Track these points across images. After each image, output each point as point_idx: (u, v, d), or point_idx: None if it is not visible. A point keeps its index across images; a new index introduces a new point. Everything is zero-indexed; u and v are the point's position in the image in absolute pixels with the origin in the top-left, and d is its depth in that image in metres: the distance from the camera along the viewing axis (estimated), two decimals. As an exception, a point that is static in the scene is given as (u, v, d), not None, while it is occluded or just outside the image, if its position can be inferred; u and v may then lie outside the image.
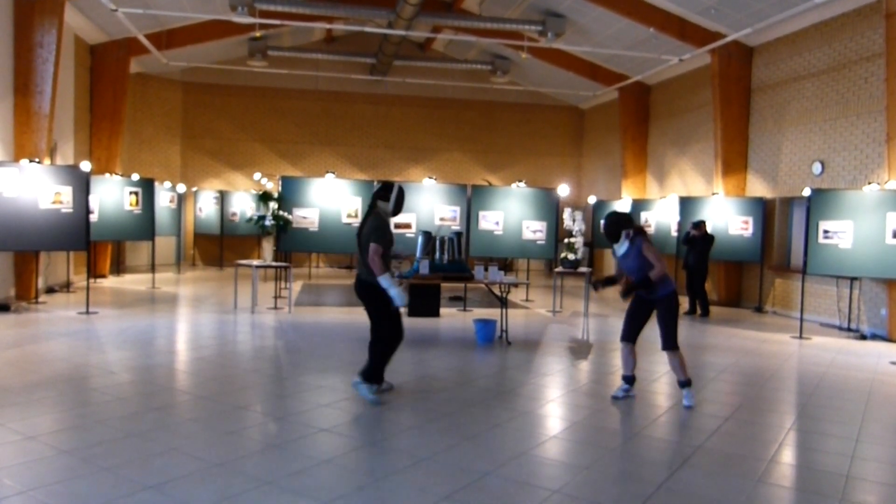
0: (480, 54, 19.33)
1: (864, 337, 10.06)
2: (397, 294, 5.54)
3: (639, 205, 15.65)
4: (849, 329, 10.57)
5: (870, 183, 10.03)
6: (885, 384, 7.08)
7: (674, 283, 5.96)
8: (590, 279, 6.57)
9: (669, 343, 5.90)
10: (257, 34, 15.81)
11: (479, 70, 19.39)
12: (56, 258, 12.60)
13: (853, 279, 10.33)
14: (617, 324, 10.81)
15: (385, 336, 5.74)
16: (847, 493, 4.11)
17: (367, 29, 15.33)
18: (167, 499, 3.68)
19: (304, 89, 19.75)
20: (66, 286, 12.87)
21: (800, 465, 4.69)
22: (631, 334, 6.13)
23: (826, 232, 9.64)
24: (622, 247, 5.97)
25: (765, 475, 4.37)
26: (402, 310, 5.80)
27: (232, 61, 18.72)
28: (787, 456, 4.82)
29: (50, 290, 12.30)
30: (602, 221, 6.11)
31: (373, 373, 5.72)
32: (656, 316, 5.98)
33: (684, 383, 5.94)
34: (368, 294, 5.71)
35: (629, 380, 6.17)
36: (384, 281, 5.52)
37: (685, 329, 10.49)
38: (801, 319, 10.19)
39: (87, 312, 10.02)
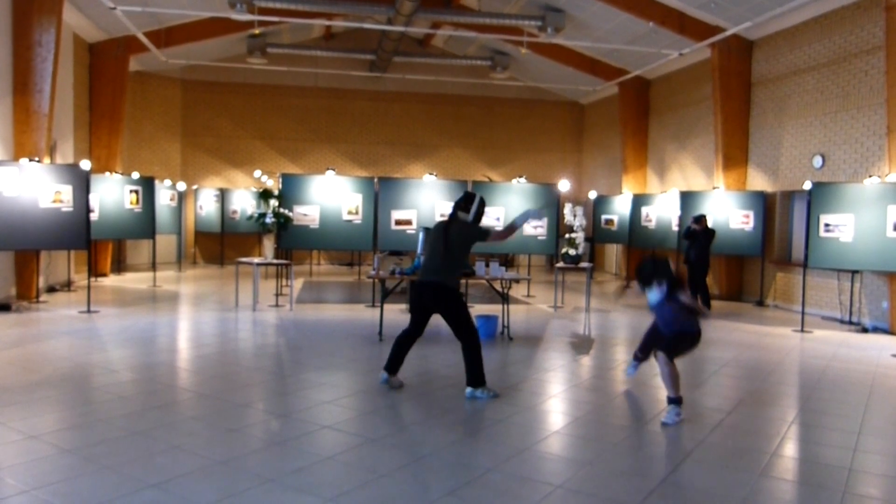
0: (480, 50, 19.30)
1: (865, 330, 10.05)
2: (531, 212, 6.04)
3: (639, 199, 15.64)
4: (850, 322, 10.56)
5: (870, 176, 10.01)
6: (887, 377, 7.08)
7: (695, 325, 5.56)
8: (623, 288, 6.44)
9: (663, 349, 5.57)
10: (256, 31, 15.82)
11: (478, 66, 19.36)
12: (57, 257, 12.60)
13: (854, 272, 10.32)
14: (619, 319, 10.83)
15: (472, 337, 5.80)
16: (850, 485, 4.11)
17: (367, 25, 15.30)
18: (170, 497, 3.69)
19: (304, 86, 19.73)
20: (67, 285, 12.88)
21: (802, 458, 4.69)
22: (645, 354, 6.16)
23: (827, 225, 9.63)
24: (654, 295, 5.64)
25: (767, 469, 4.37)
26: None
27: (231, 59, 18.68)
28: (790, 449, 4.82)
29: (51, 290, 12.31)
30: (638, 267, 5.83)
31: (479, 376, 5.80)
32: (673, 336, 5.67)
33: (672, 399, 5.45)
34: (446, 298, 5.79)
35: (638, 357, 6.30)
36: (520, 219, 5.96)
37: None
38: (803, 313, 10.19)
39: (89, 311, 10.03)
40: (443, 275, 5.82)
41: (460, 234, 5.85)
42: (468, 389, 5.80)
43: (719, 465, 4.42)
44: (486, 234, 5.93)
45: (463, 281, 10.41)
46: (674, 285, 5.56)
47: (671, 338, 5.61)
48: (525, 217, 6.04)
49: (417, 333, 6.05)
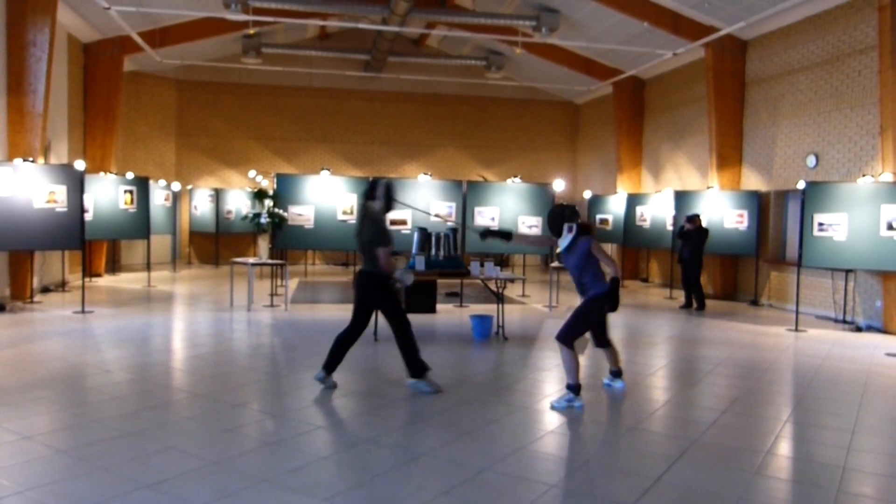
0: (475, 50, 19.30)
1: (859, 329, 10.09)
2: (402, 274, 5.89)
3: (634, 199, 15.66)
4: (844, 321, 10.60)
5: (864, 175, 10.05)
6: (881, 375, 7.11)
7: (605, 287, 5.67)
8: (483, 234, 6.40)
9: (563, 335, 5.64)
10: (251, 31, 15.78)
11: (473, 66, 19.37)
12: (51, 257, 12.56)
13: (848, 271, 10.36)
14: (613, 318, 10.80)
15: (402, 325, 5.84)
16: (844, 484, 4.13)
17: (362, 25, 15.29)
18: (164, 497, 3.68)
19: (299, 86, 19.70)
20: (62, 285, 12.84)
21: (796, 457, 4.71)
22: (600, 340, 6.08)
23: (821, 224, 9.66)
24: (565, 240, 5.77)
25: (762, 467, 4.39)
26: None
27: (226, 59, 18.65)
28: (784, 448, 4.84)
29: (45, 290, 12.27)
30: (548, 214, 5.97)
31: (416, 366, 5.86)
32: (576, 308, 5.78)
33: (571, 387, 5.60)
34: (372, 286, 5.80)
35: (616, 373, 6.25)
36: (398, 274, 5.82)
37: (682, 322, 10.52)
38: (797, 312, 10.22)
39: (83, 311, 10.00)
40: (365, 264, 5.87)
41: (370, 232, 5.82)
42: (409, 381, 5.89)
43: (714, 463, 4.44)
44: (385, 241, 5.76)
45: (457, 280, 10.43)
46: (582, 228, 5.76)
47: (580, 309, 5.68)
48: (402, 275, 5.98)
49: (357, 330, 5.99)
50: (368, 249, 5.78)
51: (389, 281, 5.83)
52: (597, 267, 5.73)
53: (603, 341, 6.08)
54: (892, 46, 9.29)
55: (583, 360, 7.64)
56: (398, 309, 5.91)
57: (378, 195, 5.85)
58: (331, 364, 5.95)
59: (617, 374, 6.30)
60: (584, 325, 5.72)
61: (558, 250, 5.91)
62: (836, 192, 9.65)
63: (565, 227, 5.76)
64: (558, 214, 5.80)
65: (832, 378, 6.96)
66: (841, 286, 10.76)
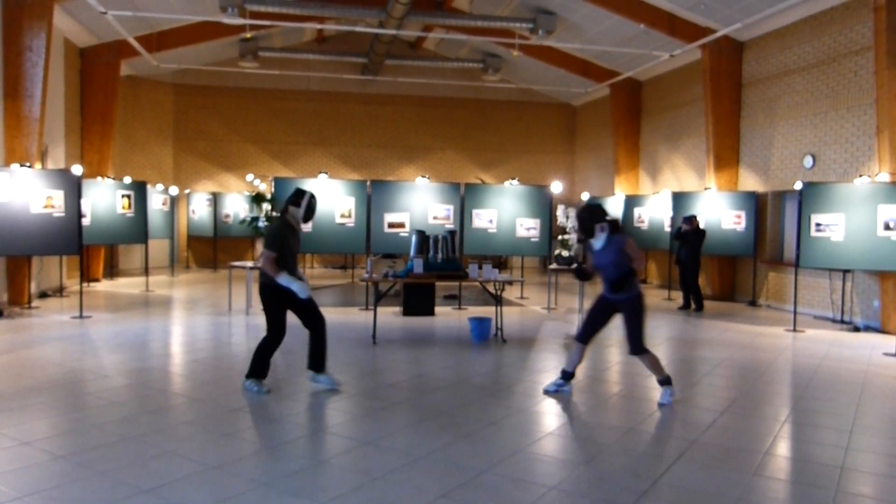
0: (472, 52, 19.33)
1: (857, 329, 10.11)
2: (299, 287, 5.79)
3: (632, 200, 15.68)
4: (842, 321, 10.62)
5: (860, 175, 10.08)
6: (879, 375, 7.12)
7: (639, 287, 5.83)
8: (577, 271, 6.39)
9: (636, 347, 5.76)
10: (248, 35, 15.78)
11: (470, 68, 19.39)
12: (49, 263, 12.55)
13: (846, 271, 10.38)
14: (612, 320, 10.82)
15: (269, 335, 5.96)
16: (842, 484, 4.14)
17: (358, 29, 15.31)
18: (164, 502, 3.68)
19: (296, 90, 19.71)
20: (59, 290, 12.82)
21: (795, 457, 4.71)
22: (587, 335, 6.00)
23: (818, 225, 9.67)
24: (598, 241, 5.78)
25: (760, 468, 4.39)
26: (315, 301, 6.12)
27: (223, 63, 18.66)
28: (783, 448, 4.84)
29: (43, 295, 12.25)
30: (577, 216, 5.97)
31: (258, 369, 6.00)
32: (622, 319, 5.82)
33: (663, 381, 5.86)
34: (262, 293, 5.93)
35: (567, 375, 6.10)
36: (282, 280, 5.73)
37: (680, 323, 10.53)
38: (795, 312, 10.23)
39: (81, 316, 9.99)
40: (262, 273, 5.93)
41: (269, 230, 5.97)
42: (245, 380, 6.02)
43: (713, 464, 4.44)
44: (272, 246, 5.78)
45: (456, 283, 10.43)
46: (615, 226, 5.78)
47: (632, 315, 5.72)
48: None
49: (312, 327, 6.15)
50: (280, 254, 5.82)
51: (268, 289, 5.86)
52: (630, 264, 5.71)
53: (588, 339, 6.02)
54: (887, 47, 9.32)
55: (581, 367, 7.65)
56: (272, 319, 5.97)
57: (302, 203, 5.98)
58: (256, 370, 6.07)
59: (568, 377, 6.14)
60: (642, 325, 5.77)
61: (591, 250, 5.91)
62: (833, 192, 9.67)
63: (597, 227, 5.76)
64: (588, 216, 5.80)
65: (830, 378, 6.97)
66: (839, 286, 10.78)
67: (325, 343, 6.07)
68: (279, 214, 6.08)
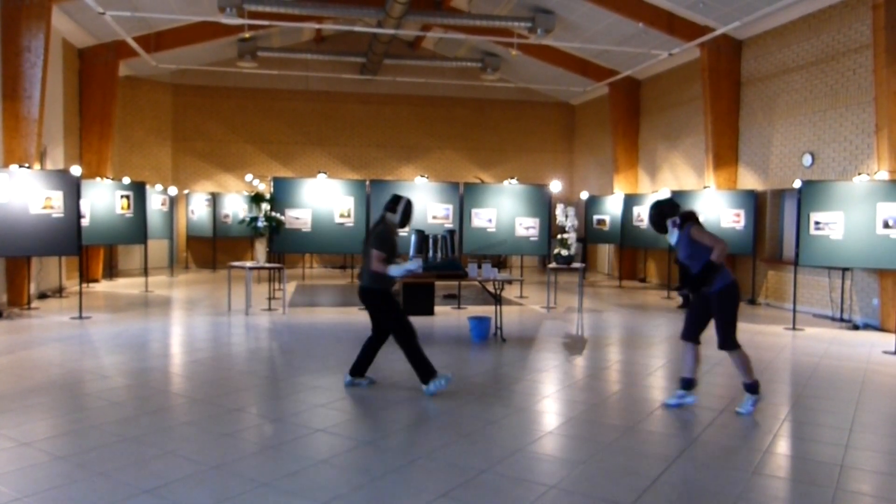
0: (470, 52, 19.32)
1: (856, 327, 10.11)
2: (414, 265, 6.06)
3: (631, 199, 15.68)
4: (841, 319, 10.62)
5: (859, 174, 10.08)
6: (878, 373, 7.13)
7: (731, 276, 5.50)
8: (682, 293, 6.26)
9: (725, 341, 5.43)
10: (246, 35, 15.78)
11: (469, 68, 19.38)
12: (48, 263, 12.54)
13: (845, 270, 10.38)
14: (611, 319, 10.85)
15: (401, 336, 5.95)
16: (842, 482, 4.14)
17: (357, 28, 15.31)
18: (163, 502, 3.68)
19: (295, 90, 19.70)
20: (59, 291, 12.81)
21: (794, 455, 4.71)
22: (690, 332, 5.68)
23: (817, 223, 9.68)
24: (673, 236, 5.58)
25: (760, 466, 4.39)
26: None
27: (221, 63, 18.66)
28: (782, 447, 4.84)
29: (42, 296, 12.25)
30: (649, 217, 5.76)
31: (424, 370, 5.91)
32: (713, 311, 5.49)
33: (749, 386, 5.47)
34: (372, 300, 6.02)
35: (687, 383, 5.69)
36: (394, 270, 5.91)
37: (680, 322, 10.49)
38: (794, 311, 10.23)
39: (80, 317, 9.98)
40: (363, 277, 6.06)
41: (376, 234, 6.01)
42: (423, 388, 5.91)
43: (712, 463, 4.44)
44: (383, 247, 5.89)
45: (455, 282, 10.43)
46: (687, 217, 5.54)
47: (720, 308, 5.40)
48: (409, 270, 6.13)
49: (378, 336, 6.26)
50: (368, 253, 5.94)
51: (387, 295, 6.01)
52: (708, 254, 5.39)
53: (693, 335, 5.70)
54: (886, 45, 9.32)
55: (581, 360, 7.66)
56: (399, 323, 6.00)
57: (398, 209, 6.08)
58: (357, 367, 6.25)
59: (691, 384, 5.74)
60: (734, 319, 5.48)
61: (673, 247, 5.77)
62: (832, 190, 9.67)
63: (669, 223, 5.59)
64: (658, 214, 5.63)
65: (830, 376, 6.97)
66: (838, 285, 10.79)
67: (418, 354, 5.97)
68: (379, 220, 6.16)
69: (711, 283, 5.41)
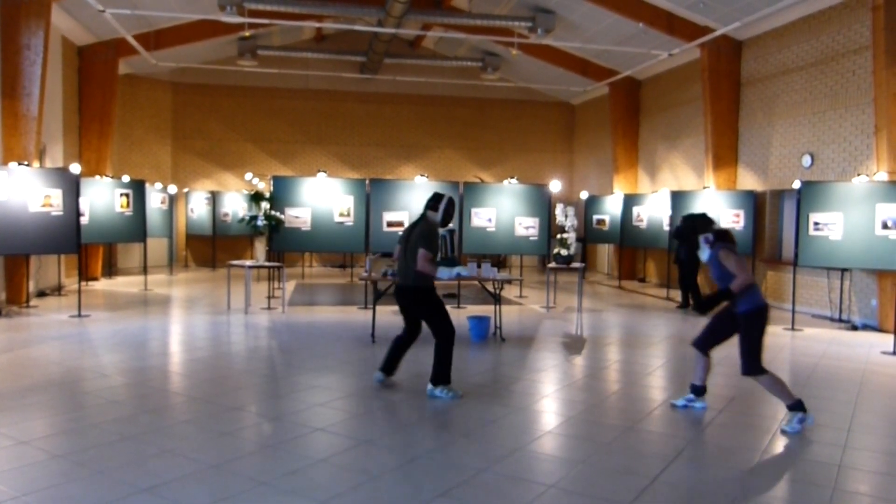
0: (471, 51, 19.32)
1: (855, 327, 10.12)
2: (462, 270, 6.18)
3: (630, 199, 15.68)
4: (840, 320, 10.63)
5: (859, 175, 10.08)
6: (877, 374, 7.13)
7: (760, 300, 5.22)
8: (698, 305, 6.06)
9: (749, 366, 5.16)
10: (246, 34, 15.77)
11: (469, 67, 19.38)
12: (47, 261, 12.53)
13: (844, 270, 10.39)
14: (610, 319, 10.86)
15: (443, 336, 5.82)
16: (840, 482, 4.14)
17: (357, 27, 15.31)
18: (162, 501, 3.68)
19: (295, 88, 19.70)
20: (58, 289, 12.81)
21: (793, 455, 4.72)
22: (704, 342, 5.54)
23: (816, 224, 9.68)
24: (704, 253, 5.38)
25: (758, 466, 4.40)
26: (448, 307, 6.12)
27: (221, 61, 18.65)
28: (780, 447, 4.85)
29: (41, 294, 12.24)
30: (678, 232, 5.55)
31: (444, 374, 5.84)
32: (739, 336, 5.26)
33: (791, 407, 5.12)
34: (416, 299, 5.87)
35: (696, 389, 5.61)
36: (444, 273, 5.94)
37: (679, 322, 10.53)
38: (793, 311, 10.24)
39: (79, 315, 9.98)
40: (403, 276, 5.91)
41: (420, 233, 5.81)
42: (429, 387, 5.85)
43: (711, 462, 4.45)
44: (430, 245, 5.73)
45: (454, 282, 10.42)
46: (719, 235, 5.35)
47: (745, 333, 5.14)
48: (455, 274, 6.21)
49: (411, 335, 6.14)
50: (414, 252, 5.74)
51: (432, 293, 5.87)
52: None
53: (705, 346, 5.56)
54: (886, 46, 9.32)
55: (580, 360, 7.66)
56: (443, 322, 5.85)
57: (440, 207, 5.92)
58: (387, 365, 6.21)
59: (700, 391, 5.64)
60: (759, 344, 5.17)
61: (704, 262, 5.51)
62: (831, 191, 9.67)
63: (701, 239, 5.37)
64: (689, 228, 5.44)
65: (828, 376, 6.98)
66: (837, 285, 10.79)
67: (449, 358, 5.85)
68: (419, 218, 5.97)
69: (742, 303, 5.18)
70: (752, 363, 5.14)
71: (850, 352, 8.32)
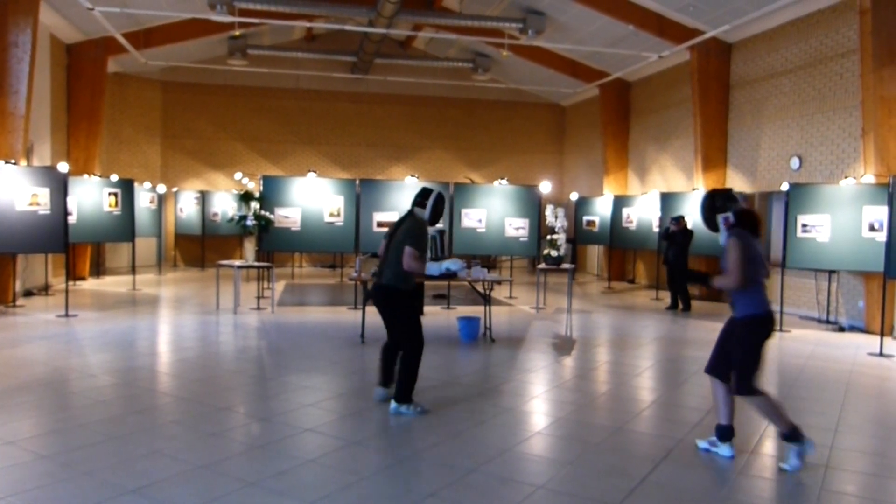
0: (461, 52, 19.34)
1: (842, 329, 10.19)
2: (454, 264, 5.85)
3: (620, 201, 15.73)
4: (827, 321, 10.71)
5: (846, 177, 10.17)
6: (863, 375, 7.19)
7: (761, 307, 4.51)
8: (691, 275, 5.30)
9: (740, 385, 4.36)
10: (237, 33, 15.71)
11: (460, 68, 19.39)
12: (34, 261, 12.43)
13: (831, 272, 10.47)
14: (600, 320, 10.89)
15: (409, 346, 5.41)
16: (826, 482, 4.17)
17: (348, 27, 15.28)
18: (150, 502, 3.66)
19: (285, 88, 19.64)
20: (45, 289, 12.71)
21: (780, 456, 4.74)
22: (716, 363, 4.64)
23: (804, 226, 9.75)
24: (722, 236, 4.54)
25: (746, 467, 4.42)
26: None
27: (211, 60, 18.57)
28: (768, 447, 4.87)
29: (28, 294, 12.14)
30: (701, 207, 4.73)
31: (407, 391, 5.40)
32: (734, 344, 4.53)
33: (786, 436, 4.33)
34: (389, 300, 5.47)
35: (721, 431, 4.56)
36: (433, 269, 5.65)
37: (668, 323, 10.58)
38: (781, 312, 10.30)
39: (67, 315, 9.90)
40: (385, 273, 5.49)
41: (407, 229, 5.46)
42: (392, 405, 5.39)
43: (699, 463, 4.47)
44: (418, 243, 5.38)
45: (445, 282, 10.41)
46: (742, 218, 4.49)
47: (738, 342, 4.44)
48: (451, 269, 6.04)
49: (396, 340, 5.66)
50: (399, 249, 5.38)
51: (407, 297, 5.48)
52: (750, 272, 4.44)
53: (719, 370, 4.63)
54: (873, 50, 9.40)
55: (570, 360, 7.68)
56: (412, 330, 5.44)
57: (428, 204, 5.64)
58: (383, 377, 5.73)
59: (726, 434, 4.58)
60: (755, 358, 4.41)
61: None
62: (819, 193, 9.74)
63: (720, 219, 4.49)
64: (708, 207, 4.55)
65: (815, 378, 7.02)
66: (824, 287, 10.87)
67: (415, 371, 5.42)
68: (406, 215, 5.61)
69: (738, 308, 4.53)
70: (741, 381, 4.35)
71: (838, 353, 8.38)
